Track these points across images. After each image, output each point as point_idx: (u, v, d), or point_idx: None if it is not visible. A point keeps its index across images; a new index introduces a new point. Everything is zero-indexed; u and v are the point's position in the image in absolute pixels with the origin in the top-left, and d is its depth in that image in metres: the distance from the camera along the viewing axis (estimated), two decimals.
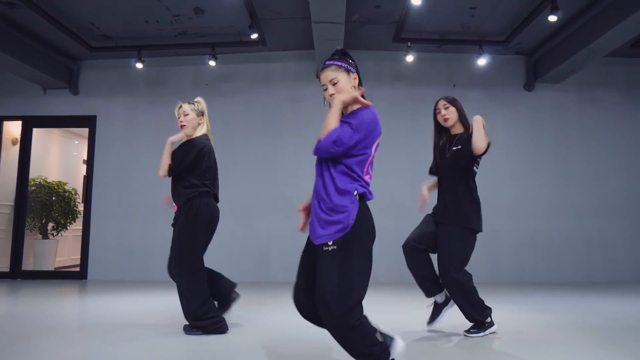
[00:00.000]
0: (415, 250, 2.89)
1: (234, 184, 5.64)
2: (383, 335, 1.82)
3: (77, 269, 6.18)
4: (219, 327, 2.79)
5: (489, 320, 2.81)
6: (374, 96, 6.46)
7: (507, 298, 4.38)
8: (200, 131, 3.00)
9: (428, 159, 6.24)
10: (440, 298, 2.92)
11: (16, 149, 6.42)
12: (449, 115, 2.96)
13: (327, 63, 1.95)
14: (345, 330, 1.71)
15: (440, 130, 3.09)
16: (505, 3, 4.84)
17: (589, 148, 6.04)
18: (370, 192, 1.86)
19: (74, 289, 5.09)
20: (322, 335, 1.98)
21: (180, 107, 3.01)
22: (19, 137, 6.42)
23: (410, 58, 5.60)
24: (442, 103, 3.01)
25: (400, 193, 5.70)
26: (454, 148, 2.94)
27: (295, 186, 5.62)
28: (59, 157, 8.00)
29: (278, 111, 6.11)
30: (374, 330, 1.78)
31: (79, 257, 6.22)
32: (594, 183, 5.96)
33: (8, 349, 2.45)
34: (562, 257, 5.84)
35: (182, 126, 2.97)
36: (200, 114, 3.03)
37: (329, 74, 1.90)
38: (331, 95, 1.88)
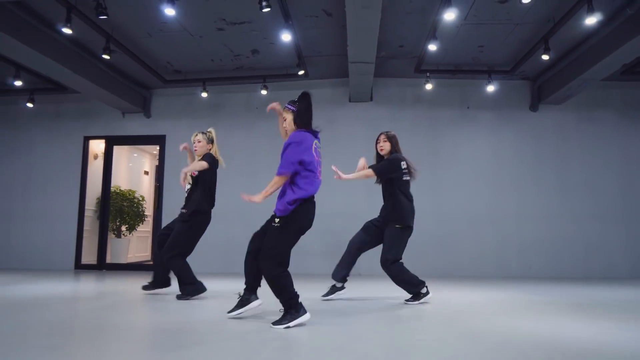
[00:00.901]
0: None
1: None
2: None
3: (150, 262, 7.39)
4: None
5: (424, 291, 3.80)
6: (397, 117, 7.49)
7: (512, 286, 5.31)
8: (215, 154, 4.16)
9: (445, 172, 7.36)
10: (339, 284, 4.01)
11: (97, 163, 7.72)
12: (385, 147, 3.99)
13: (286, 106, 3.03)
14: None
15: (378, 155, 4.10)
16: (507, 43, 5.84)
17: (586, 161, 6.92)
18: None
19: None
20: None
21: (197, 135, 4.16)
22: (99, 153, 7.73)
23: (429, 86, 6.64)
24: (382, 137, 4.04)
25: (422, 203, 6.69)
26: None
27: (332, 196, 6.68)
28: (125, 169, 9.31)
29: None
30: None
31: (143, 254, 7.42)
32: (591, 192, 6.83)
33: (121, 309, 3.57)
34: (563, 258, 6.71)
35: (195, 150, 4.15)
36: (210, 141, 4.18)
37: (286, 115, 2.98)
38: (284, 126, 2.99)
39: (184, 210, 4.03)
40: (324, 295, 4.00)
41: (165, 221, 7.22)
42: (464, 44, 5.93)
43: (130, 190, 8.29)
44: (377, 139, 4.06)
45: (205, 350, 2.21)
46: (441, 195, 6.82)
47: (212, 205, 4.13)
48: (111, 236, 8.03)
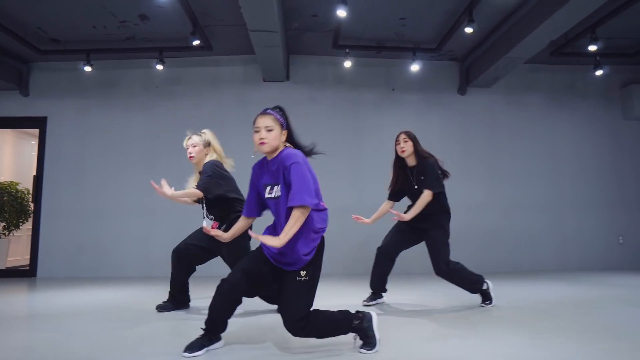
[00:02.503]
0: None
1: (184, 183, 5.87)
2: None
3: (27, 267, 6.29)
4: None
5: None
6: (317, 99, 6.85)
7: (436, 282, 4.78)
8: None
9: (368, 159, 6.68)
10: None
11: None
12: (407, 148, 3.40)
13: (268, 111, 2.23)
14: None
15: (399, 159, 3.50)
16: (431, 15, 5.26)
17: (515, 147, 6.55)
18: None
19: (22, 286, 5.22)
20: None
21: (190, 138, 3.27)
22: None
23: (348, 63, 5.97)
24: (402, 136, 3.44)
25: (342, 192, 6.06)
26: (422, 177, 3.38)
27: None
28: (12, 158, 8.04)
29: (226, 113, 6.34)
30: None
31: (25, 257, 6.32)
32: (519, 180, 6.47)
33: None
34: (492, 248, 6.32)
35: (190, 157, 3.25)
36: (207, 145, 3.29)
37: (267, 121, 2.18)
38: (261, 139, 2.15)
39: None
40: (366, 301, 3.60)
41: (47, 219, 6.17)
42: (384, 16, 5.29)
43: (11, 182, 7.08)
44: (397, 140, 3.49)
45: None
46: (363, 183, 6.20)
47: None
48: None
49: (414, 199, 3.41)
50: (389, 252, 3.54)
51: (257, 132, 2.19)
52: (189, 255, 3.32)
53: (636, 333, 2.59)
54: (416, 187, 3.39)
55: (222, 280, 2.19)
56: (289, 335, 2.17)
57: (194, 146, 3.27)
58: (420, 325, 2.89)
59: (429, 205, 3.30)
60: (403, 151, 3.41)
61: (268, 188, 2.25)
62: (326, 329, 2.19)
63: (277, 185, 2.19)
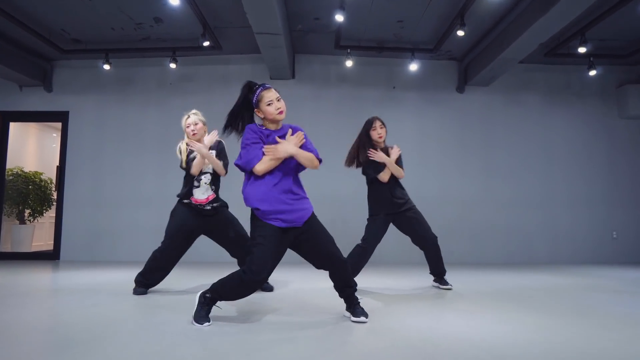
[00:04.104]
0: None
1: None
2: None
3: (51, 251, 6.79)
4: None
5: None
6: (320, 96, 7.18)
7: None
8: (207, 136, 3.52)
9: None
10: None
11: None
12: (383, 134, 3.71)
13: (267, 85, 2.55)
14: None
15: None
16: (426, 18, 5.54)
17: (511, 145, 6.80)
18: None
19: (47, 267, 5.71)
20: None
21: (189, 117, 3.52)
22: None
23: (349, 63, 6.29)
24: (378, 123, 3.71)
25: (343, 185, 6.40)
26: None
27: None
28: (36, 149, 8.57)
29: None
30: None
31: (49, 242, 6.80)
32: (514, 176, 6.73)
33: None
34: (486, 242, 6.61)
35: (193, 134, 3.46)
36: (205, 123, 3.58)
37: (274, 93, 2.51)
38: (279, 109, 2.46)
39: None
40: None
41: (69, 207, 6.66)
42: (382, 19, 5.60)
43: (36, 172, 7.61)
44: (373, 125, 3.68)
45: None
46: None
47: None
48: (14, 222, 7.37)
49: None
50: (415, 241, 3.80)
51: (270, 104, 2.47)
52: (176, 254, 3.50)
53: (601, 313, 2.89)
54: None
55: (244, 272, 2.35)
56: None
57: (196, 124, 3.49)
58: (412, 305, 3.22)
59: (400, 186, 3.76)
60: (381, 137, 3.69)
61: None
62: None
63: None
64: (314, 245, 2.50)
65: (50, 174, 7.89)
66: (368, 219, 3.76)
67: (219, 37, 6.05)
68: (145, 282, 3.49)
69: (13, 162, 7.31)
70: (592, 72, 6.27)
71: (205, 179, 3.44)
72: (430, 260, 3.81)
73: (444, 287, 3.82)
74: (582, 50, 5.54)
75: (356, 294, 2.64)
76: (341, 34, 5.88)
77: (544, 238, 6.66)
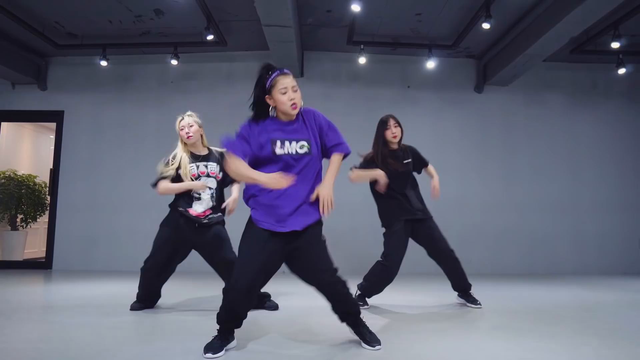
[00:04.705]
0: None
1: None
2: None
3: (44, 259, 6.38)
4: None
5: None
6: (331, 96, 6.79)
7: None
8: (204, 141, 3.30)
9: None
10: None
11: None
12: (398, 133, 3.37)
13: (286, 71, 2.21)
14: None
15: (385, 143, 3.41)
16: (447, 11, 5.16)
17: (533, 147, 6.40)
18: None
19: (38, 277, 5.30)
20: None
21: (183, 119, 3.23)
22: None
23: (362, 60, 5.90)
24: (393, 122, 3.38)
25: (356, 190, 5.99)
26: (407, 161, 3.40)
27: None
28: (30, 151, 8.18)
29: (240, 109, 6.29)
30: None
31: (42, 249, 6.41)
32: (536, 180, 6.32)
33: None
34: (506, 250, 6.20)
35: (188, 137, 3.20)
36: (200, 125, 3.27)
37: (293, 80, 2.17)
38: (292, 100, 2.12)
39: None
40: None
41: (62, 213, 6.25)
42: (400, 11, 5.21)
43: (29, 175, 7.20)
44: (387, 125, 3.38)
45: None
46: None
47: None
48: (6, 228, 6.96)
49: (402, 177, 3.36)
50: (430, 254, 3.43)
51: (285, 92, 2.14)
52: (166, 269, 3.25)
53: None
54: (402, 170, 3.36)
55: (231, 285, 2.13)
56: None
57: (191, 126, 3.21)
58: (427, 326, 2.82)
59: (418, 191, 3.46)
60: (395, 137, 3.36)
61: (279, 143, 2.16)
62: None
63: (302, 140, 2.19)
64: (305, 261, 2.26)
65: (44, 177, 7.50)
66: (384, 234, 3.37)
67: (224, 31, 5.67)
68: (143, 300, 3.13)
69: (5, 164, 6.92)
70: (622, 70, 5.87)
71: (208, 193, 3.22)
72: (451, 274, 3.41)
73: (473, 305, 3.40)
74: (614, 45, 5.15)
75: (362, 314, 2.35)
76: (354, 28, 5.49)
77: (569, 246, 6.25)
